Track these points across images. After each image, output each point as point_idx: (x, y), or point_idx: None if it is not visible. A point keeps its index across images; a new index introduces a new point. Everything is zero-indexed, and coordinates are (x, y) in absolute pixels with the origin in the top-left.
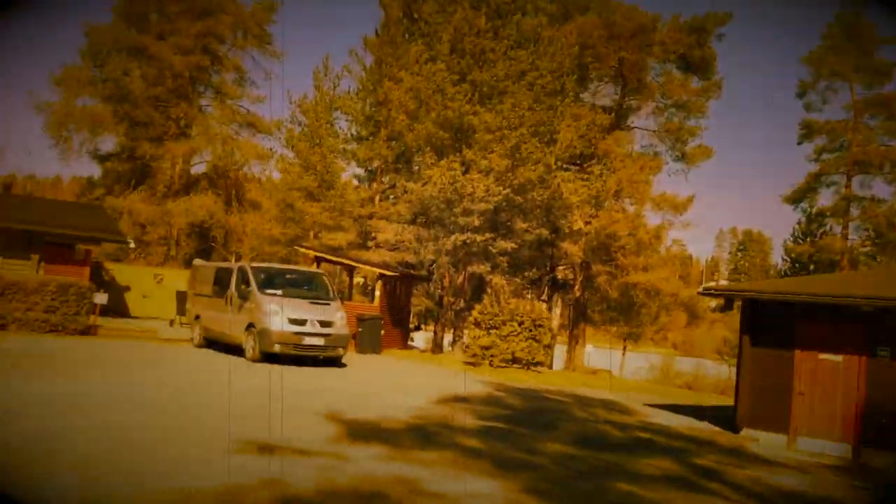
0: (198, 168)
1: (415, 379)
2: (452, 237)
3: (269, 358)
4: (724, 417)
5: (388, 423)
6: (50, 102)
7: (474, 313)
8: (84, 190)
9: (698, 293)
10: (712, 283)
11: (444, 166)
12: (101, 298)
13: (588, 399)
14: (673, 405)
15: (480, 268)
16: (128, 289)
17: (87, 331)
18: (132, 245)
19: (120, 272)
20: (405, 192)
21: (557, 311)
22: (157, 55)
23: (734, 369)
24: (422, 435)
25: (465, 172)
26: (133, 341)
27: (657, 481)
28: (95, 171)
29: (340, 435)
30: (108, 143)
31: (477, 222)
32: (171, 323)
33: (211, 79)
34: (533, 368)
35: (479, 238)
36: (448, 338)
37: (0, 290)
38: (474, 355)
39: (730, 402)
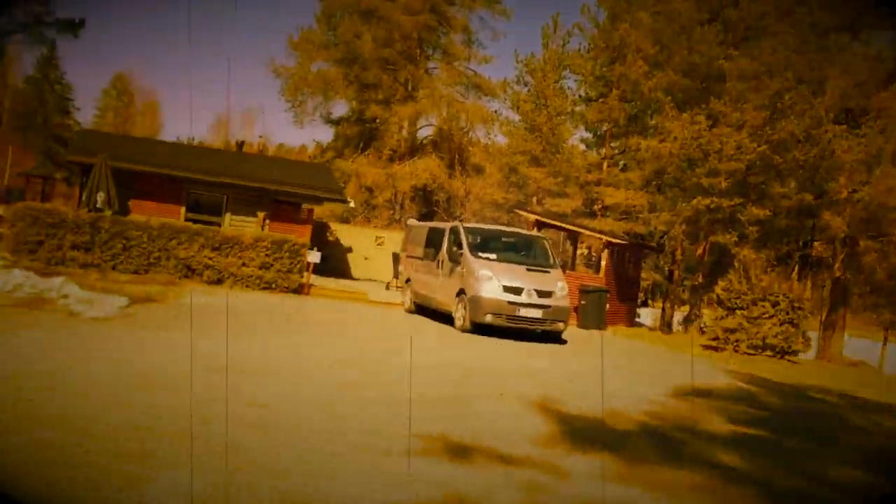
0: (423, 131)
1: (643, 362)
2: (694, 201)
3: (480, 329)
4: None
5: (614, 421)
6: (287, 67)
7: (717, 290)
8: (317, 154)
9: None
10: None
11: (687, 120)
12: (314, 257)
13: (863, 401)
14: None
15: (725, 238)
16: (350, 250)
17: (300, 289)
18: (351, 204)
19: (344, 233)
20: (638, 150)
21: (807, 292)
22: (386, 16)
23: None
24: (659, 442)
25: (712, 127)
26: (342, 302)
27: None
28: (328, 135)
29: (553, 434)
30: (340, 108)
31: (724, 184)
32: (387, 286)
33: (439, 40)
34: (788, 358)
35: (725, 203)
36: (677, 316)
37: (217, 244)
38: (715, 338)
39: None
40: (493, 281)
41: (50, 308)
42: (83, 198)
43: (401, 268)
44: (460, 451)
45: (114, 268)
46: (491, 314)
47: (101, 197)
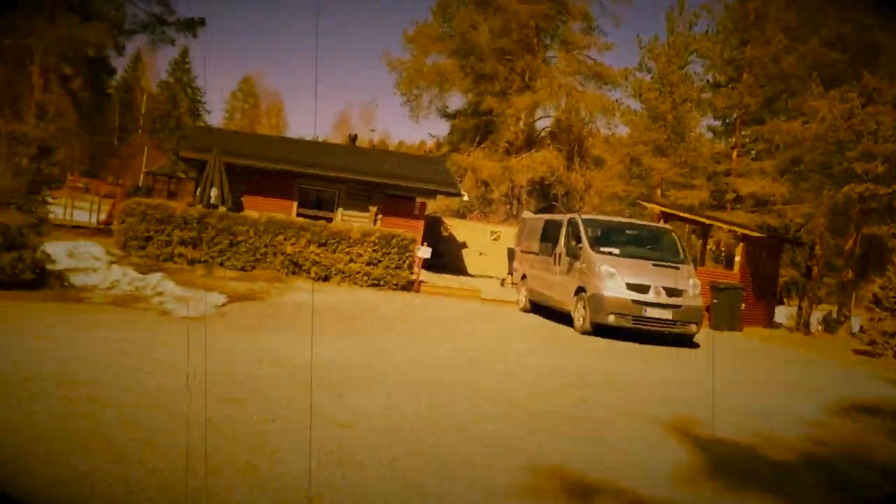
0: (541, 123)
1: (790, 371)
2: (846, 188)
3: (602, 331)
4: None
5: (769, 449)
6: (402, 60)
7: (874, 288)
8: (433, 149)
9: None
10: None
11: (836, 98)
12: (424, 252)
13: None
14: None
15: (881, 229)
16: (465, 245)
17: (409, 286)
18: (466, 198)
19: (459, 228)
20: (776, 134)
21: None
22: (503, 6)
23: None
24: (830, 477)
25: (866, 105)
26: (454, 300)
27: None
28: (444, 129)
29: (696, 468)
30: (455, 101)
31: (880, 169)
32: (502, 283)
33: (557, 28)
34: None
35: (882, 190)
36: (815, 316)
37: (324, 239)
38: (871, 342)
39: None
40: (616, 278)
41: (142, 306)
42: (197, 193)
43: (515, 264)
44: (579, 492)
45: (221, 264)
46: (614, 314)
47: (214, 193)
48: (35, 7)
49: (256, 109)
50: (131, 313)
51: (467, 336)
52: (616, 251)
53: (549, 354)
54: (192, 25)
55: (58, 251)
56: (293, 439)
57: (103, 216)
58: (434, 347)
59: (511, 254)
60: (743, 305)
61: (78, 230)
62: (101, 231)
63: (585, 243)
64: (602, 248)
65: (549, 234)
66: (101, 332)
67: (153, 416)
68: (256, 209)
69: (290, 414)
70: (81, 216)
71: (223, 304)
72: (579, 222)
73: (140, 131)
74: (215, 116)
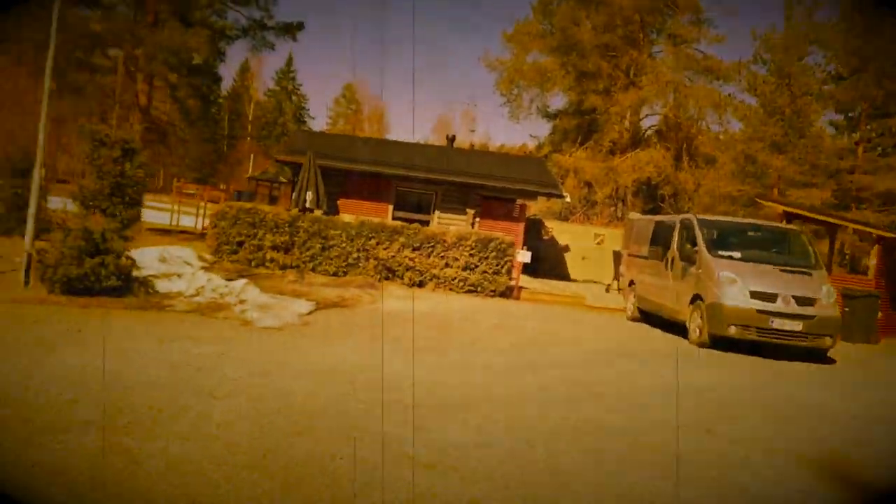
0: (647, 121)
1: None
2: None
3: (722, 343)
4: None
5: None
6: (502, 60)
7: None
8: (533, 150)
9: None
10: None
11: None
12: (523, 257)
13: None
14: None
15: None
16: (567, 249)
17: (508, 293)
18: (568, 199)
19: (561, 231)
20: None
21: None
22: (607, 0)
23: None
24: None
25: None
26: (556, 308)
27: None
28: (544, 129)
29: None
30: (557, 100)
31: None
32: (608, 288)
33: (664, 21)
34: None
35: None
36: None
37: (418, 243)
38: None
39: None
40: (737, 285)
41: (223, 315)
42: (293, 197)
43: (622, 269)
44: None
45: (313, 269)
46: (735, 326)
47: (309, 196)
48: (139, 14)
49: (358, 115)
50: (212, 323)
51: (572, 349)
52: (737, 255)
53: (668, 371)
54: (290, 29)
55: (149, 256)
56: (363, 480)
57: (207, 221)
58: (534, 365)
59: (617, 258)
60: (880, 314)
61: (183, 235)
62: (203, 236)
63: (702, 246)
64: (721, 252)
65: (659, 237)
66: (177, 343)
67: (204, 457)
68: (352, 212)
69: (360, 450)
70: (188, 221)
71: (309, 313)
72: (695, 223)
73: (248, 138)
74: (319, 123)
